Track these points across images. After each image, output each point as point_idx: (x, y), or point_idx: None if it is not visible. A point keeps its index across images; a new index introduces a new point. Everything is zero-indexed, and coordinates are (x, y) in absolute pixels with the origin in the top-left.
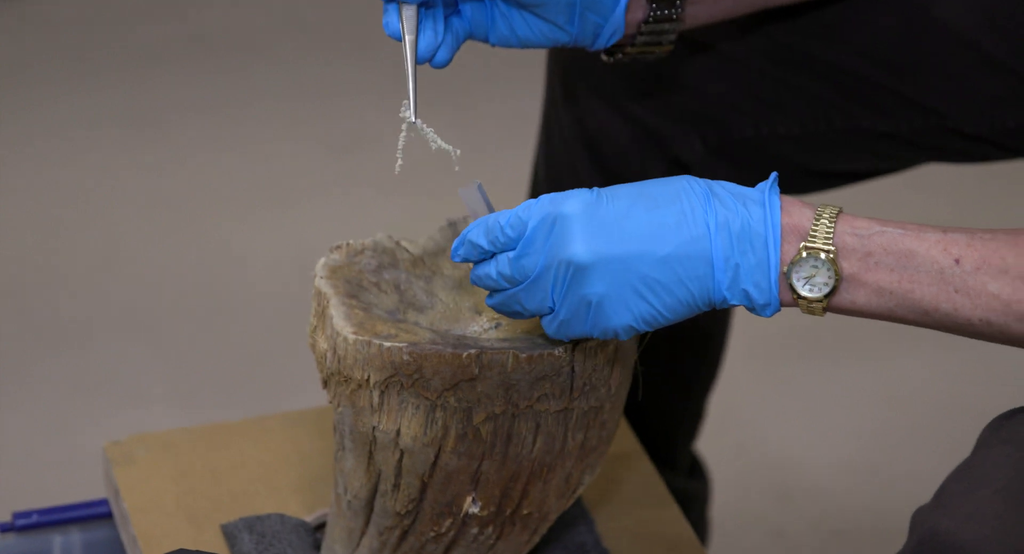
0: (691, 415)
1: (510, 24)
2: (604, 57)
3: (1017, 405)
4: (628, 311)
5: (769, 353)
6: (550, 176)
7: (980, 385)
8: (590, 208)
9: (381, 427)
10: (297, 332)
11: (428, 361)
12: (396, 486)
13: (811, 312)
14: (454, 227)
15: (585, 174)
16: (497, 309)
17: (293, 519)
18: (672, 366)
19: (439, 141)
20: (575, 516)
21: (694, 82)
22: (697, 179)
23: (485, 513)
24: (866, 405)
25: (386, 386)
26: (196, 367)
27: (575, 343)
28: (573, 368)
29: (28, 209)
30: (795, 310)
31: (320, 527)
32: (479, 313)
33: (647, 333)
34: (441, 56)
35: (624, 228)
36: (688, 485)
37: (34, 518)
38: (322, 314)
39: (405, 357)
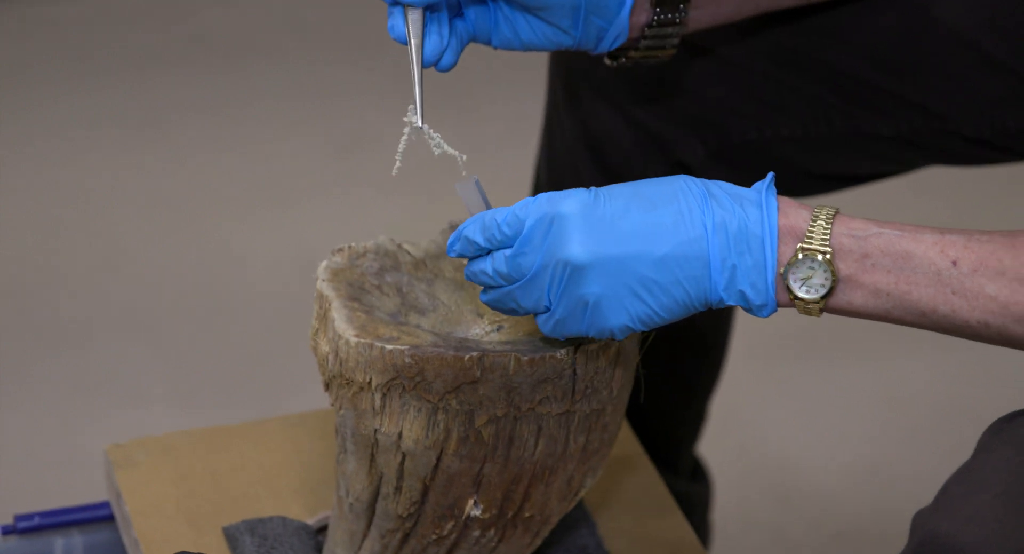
0: (693, 418)
1: (513, 27)
2: (607, 61)
3: (1018, 408)
4: (624, 311)
5: (770, 355)
6: (552, 178)
7: (980, 387)
8: (588, 208)
9: (383, 430)
10: (298, 332)
11: (430, 364)
12: (398, 489)
13: (808, 313)
14: (456, 230)
15: (587, 177)
16: (491, 306)
17: (295, 522)
18: (674, 369)
19: (445, 146)
20: (577, 519)
21: (696, 85)
22: (694, 179)
23: (487, 516)
24: (867, 407)
25: (388, 389)
26: (197, 368)
27: (577, 346)
28: (575, 371)
29: (28, 209)
30: (795, 311)
31: (322, 530)
32: (481, 316)
33: (649, 336)
34: (446, 60)
35: (621, 228)
36: (690, 488)
37: (36, 520)
38: (324, 317)
39: (407, 360)
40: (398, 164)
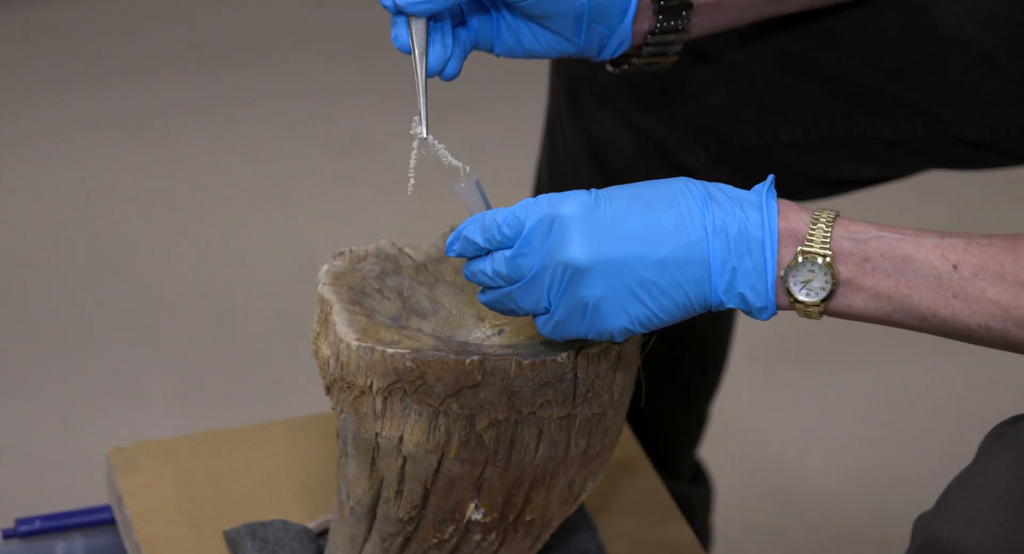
0: (694, 421)
1: (516, 35)
2: (610, 68)
3: (1019, 411)
4: (624, 313)
5: (770, 358)
6: (554, 183)
7: (982, 391)
8: (588, 210)
9: (384, 434)
10: (299, 333)
11: (431, 367)
12: (399, 493)
13: (808, 316)
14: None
15: (589, 182)
16: (490, 306)
17: (296, 525)
18: (675, 372)
19: (450, 158)
20: (578, 523)
21: (697, 91)
22: (695, 181)
23: (488, 520)
24: (867, 410)
25: (389, 392)
26: (198, 369)
27: (578, 350)
28: (576, 375)
29: (29, 210)
30: (795, 314)
31: (323, 533)
32: (482, 319)
33: (650, 339)
34: (450, 69)
35: (622, 231)
36: (691, 492)
37: (37, 524)
38: (325, 320)
39: (408, 363)
40: (412, 181)
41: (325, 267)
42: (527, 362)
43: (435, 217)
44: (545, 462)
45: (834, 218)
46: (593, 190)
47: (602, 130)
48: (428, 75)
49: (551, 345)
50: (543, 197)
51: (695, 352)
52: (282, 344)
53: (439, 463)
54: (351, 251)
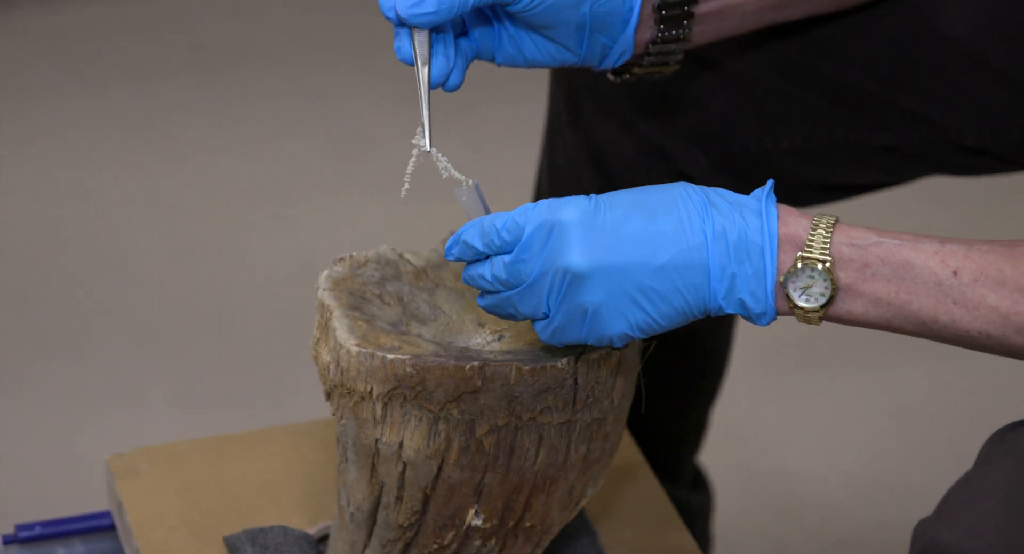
0: (694, 427)
1: (518, 45)
2: (611, 77)
3: (1019, 417)
4: (624, 319)
5: (770, 364)
6: (554, 189)
7: (982, 396)
8: (588, 216)
9: (384, 439)
10: (299, 336)
11: (431, 373)
12: (399, 498)
13: (807, 322)
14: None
15: (590, 188)
16: (489, 310)
17: (296, 531)
18: (675, 378)
19: (452, 171)
20: (578, 529)
21: (698, 98)
22: (694, 186)
23: (488, 526)
24: (867, 416)
25: (389, 398)
26: (198, 371)
27: (578, 355)
28: (576, 380)
29: (28, 213)
30: (794, 320)
31: (323, 539)
32: (482, 325)
33: (650, 345)
34: (453, 80)
35: (621, 237)
36: (691, 497)
37: (37, 530)
38: (325, 326)
39: (408, 369)
40: (407, 186)
41: (325, 273)
42: (527, 368)
43: (435, 219)
44: (545, 468)
45: (834, 223)
46: (593, 196)
47: (603, 136)
48: (431, 87)
49: (551, 351)
50: (543, 202)
51: (695, 357)
52: (282, 346)
53: (439, 469)
54: (351, 257)
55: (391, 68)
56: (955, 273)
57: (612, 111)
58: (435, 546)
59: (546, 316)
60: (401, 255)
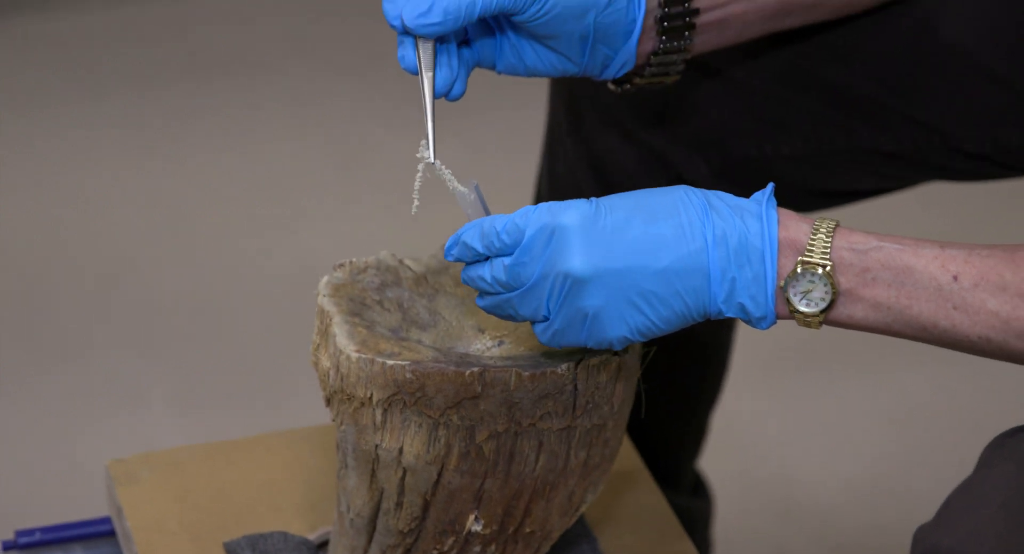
0: (694, 433)
1: (519, 55)
2: (612, 87)
3: (1019, 423)
4: (624, 322)
5: (770, 368)
6: (554, 197)
7: (982, 402)
8: (588, 220)
9: (384, 445)
10: (299, 340)
11: (431, 379)
12: (399, 504)
13: (808, 326)
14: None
15: (590, 194)
16: (488, 311)
17: (296, 537)
18: (675, 382)
19: (456, 184)
20: (578, 534)
21: (699, 105)
22: (695, 190)
23: (488, 531)
24: (867, 421)
25: (389, 404)
26: (198, 375)
27: (578, 361)
28: (576, 386)
29: (28, 217)
30: (794, 324)
31: (323, 545)
32: (482, 331)
33: (650, 350)
34: (457, 89)
35: (622, 241)
36: (691, 503)
37: (37, 536)
38: (325, 332)
39: (408, 375)
40: (416, 203)
41: (325, 279)
42: (527, 374)
43: (436, 226)
44: (545, 474)
45: (834, 228)
46: (593, 199)
47: (603, 146)
48: (435, 96)
49: (551, 357)
50: (543, 205)
51: (695, 361)
52: (282, 350)
53: (439, 475)
54: (351, 263)
55: (394, 75)
56: (955, 278)
57: (613, 120)
58: (435, 552)
59: (546, 319)
60: (401, 261)
